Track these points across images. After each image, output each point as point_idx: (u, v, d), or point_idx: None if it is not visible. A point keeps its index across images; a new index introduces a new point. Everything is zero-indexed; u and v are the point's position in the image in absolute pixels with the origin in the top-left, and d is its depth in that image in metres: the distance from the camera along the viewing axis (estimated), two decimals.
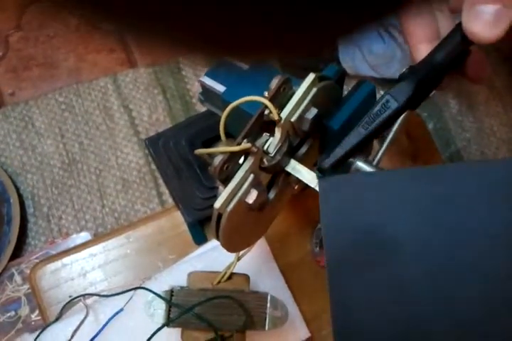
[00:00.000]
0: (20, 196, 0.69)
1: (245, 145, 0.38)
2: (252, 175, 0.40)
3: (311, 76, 0.40)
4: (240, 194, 0.39)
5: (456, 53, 0.39)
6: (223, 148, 0.38)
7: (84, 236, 0.65)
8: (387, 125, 0.40)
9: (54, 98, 0.74)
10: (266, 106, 0.39)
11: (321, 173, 0.39)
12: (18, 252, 0.66)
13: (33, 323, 0.62)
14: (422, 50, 0.41)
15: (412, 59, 0.42)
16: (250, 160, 0.39)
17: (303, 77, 0.41)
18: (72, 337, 0.45)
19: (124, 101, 0.75)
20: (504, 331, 0.35)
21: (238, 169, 0.39)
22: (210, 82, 0.49)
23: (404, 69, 0.40)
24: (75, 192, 0.70)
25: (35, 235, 0.68)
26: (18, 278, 0.64)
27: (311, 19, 0.15)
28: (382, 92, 0.72)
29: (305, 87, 0.40)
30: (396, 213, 0.38)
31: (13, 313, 0.63)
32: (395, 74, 0.70)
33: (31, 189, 0.70)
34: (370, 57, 0.70)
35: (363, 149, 0.42)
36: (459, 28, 0.38)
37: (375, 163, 0.46)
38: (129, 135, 0.72)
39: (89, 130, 0.73)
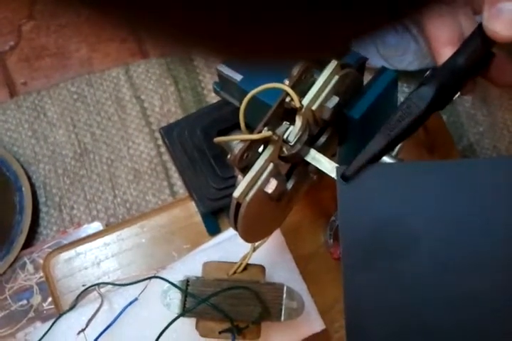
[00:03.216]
0: (32, 185, 0.69)
1: (266, 133, 0.37)
2: (271, 164, 0.39)
3: (333, 63, 0.39)
4: (259, 183, 0.39)
5: (478, 56, 0.39)
6: (243, 135, 0.37)
7: (95, 226, 0.65)
8: (409, 131, 0.39)
9: (66, 88, 0.74)
10: (287, 94, 0.38)
11: (345, 181, 0.39)
12: (30, 241, 0.66)
13: (44, 312, 0.62)
14: (446, 54, 0.40)
15: (435, 62, 0.42)
16: (270, 149, 0.39)
17: (317, 69, 0.41)
18: (86, 326, 0.44)
19: (136, 92, 0.74)
20: None
21: (258, 158, 0.39)
22: (227, 70, 0.49)
23: (427, 72, 0.40)
24: (87, 182, 0.70)
25: (47, 224, 0.68)
26: (30, 267, 0.64)
27: (329, 21, 0.15)
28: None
29: (327, 74, 0.39)
30: (414, 207, 0.38)
31: (25, 302, 0.63)
32: (409, 66, 0.69)
33: (43, 178, 0.70)
34: (383, 49, 0.70)
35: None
36: (480, 29, 0.38)
37: (394, 153, 0.46)
38: (140, 126, 0.72)
39: (101, 120, 0.73)
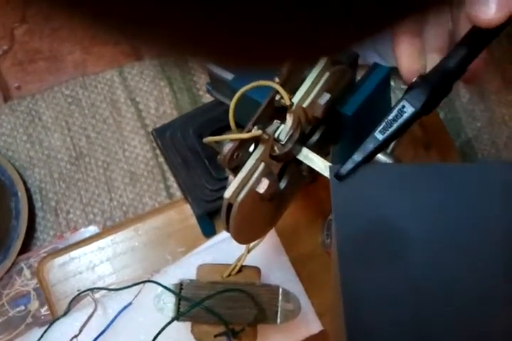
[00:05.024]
0: (27, 190, 0.68)
1: (256, 132, 0.37)
2: (262, 164, 0.39)
3: (324, 60, 0.39)
4: (250, 183, 0.38)
5: (468, 60, 0.39)
6: (233, 135, 0.37)
7: (92, 230, 0.64)
8: (403, 130, 0.39)
9: (60, 91, 0.74)
10: (277, 92, 0.38)
11: (338, 180, 0.38)
12: (26, 246, 0.65)
13: (42, 318, 0.61)
14: (435, 58, 0.40)
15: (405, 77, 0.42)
16: (261, 148, 0.38)
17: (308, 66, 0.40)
18: (80, 331, 0.44)
19: (131, 94, 0.74)
20: None
21: (248, 157, 0.38)
22: (217, 69, 0.48)
23: (415, 79, 0.40)
24: (83, 186, 0.70)
25: (43, 229, 0.68)
26: (27, 273, 0.63)
27: (316, 30, 0.15)
28: (392, 83, 0.71)
29: (317, 71, 0.39)
30: (409, 207, 0.38)
31: (22, 308, 0.63)
32: None
33: (39, 183, 0.70)
34: (379, 45, 0.69)
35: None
36: (469, 35, 0.38)
37: (389, 150, 0.45)
38: (136, 128, 0.71)
39: (96, 123, 0.73)
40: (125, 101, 0.73)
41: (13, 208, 0.67)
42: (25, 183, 0.68)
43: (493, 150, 0.67)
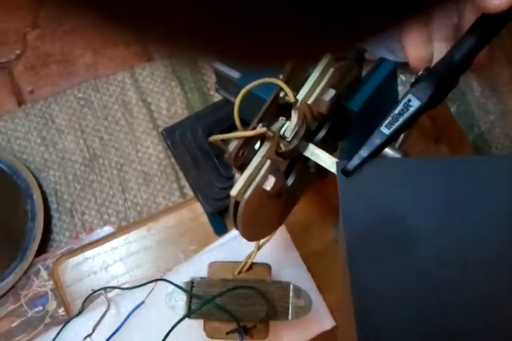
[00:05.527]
0: (43, 192, 0.69)
1: (260, 129, 0.37)
2: (268, 161, 0.39)
3: (327, 56, 0.39)
4: (257, 181, 0.38)
5: (474, 52, 0.38)
6: (238, 133, 0.37)
7: (107, 230, 0.65)
8: (409, 124, 0.39)
9: (73, 94, 0.74)
10: (281, 89, 0.38)
11: (346, 176, 0.38)
12: (43, 248, 0.66)
13: (60, 318, 0.62)
14: (442, 49, 0.40)
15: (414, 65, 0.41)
16: (266, 146, 0.38)
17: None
18: (93, 330, 0.44)
19: (142, 95, 0.74)
20: None
21: (254, 155, 0.38)
22: (224, 68, 0.48)
23: (421, 72, 0.40)
24: (97, 187, 0.70)
25: (59, 231, 0.68)
26: (44, 274, 0.64)
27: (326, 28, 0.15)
28: (402, 76, 0.70)
29: (321, 67, 0.39)
30: (416, 202, 0.38)
31: (40, 308, 0.64)
32: None
33: (54, 185, 0.71)
34: (388, 40, 0.68)
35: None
36: (474, 27, 0.38)
37: (397, 145, 0.45)
38: (148, 128, 0.72)
39: (109, 125, 0.73)
40: (137, 102, 0.74)
41: (29, 210, 0.67)
42: (40, 186, 0.69)
43: (506, 142, 0.66)
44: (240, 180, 0.38)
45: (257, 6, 0.13)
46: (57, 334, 0.46)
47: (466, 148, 0.58)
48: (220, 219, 0.56)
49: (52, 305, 0.64)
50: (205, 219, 0.56)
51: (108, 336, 0.44)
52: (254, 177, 0.38)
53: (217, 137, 0.38)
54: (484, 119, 0.68)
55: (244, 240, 0.42)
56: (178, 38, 0.16)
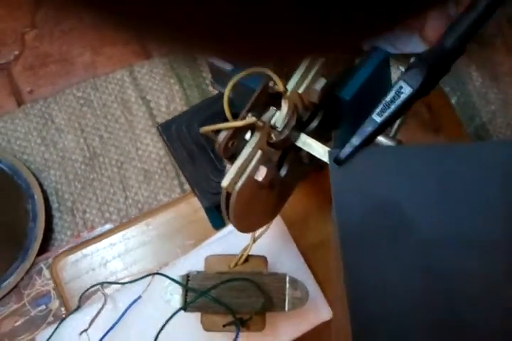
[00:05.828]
0: (44, 192, 0.69)
1: (250, 119, 0.37)
2: (260, 152, 0.38)
3: None
4: (248, 171, 0.38)
5: (466, 38, 0.38)
6: (226, 123, 0.36)
7: (108, 228, 0.65)
8: (401, 112, 0.39)
9: (72, 93, 0.74)
10: (270, 78, 0.37)
11: (338, 165, 0.38)
12: (45, 247, 0.66)
13: (63, 316, 0.62)
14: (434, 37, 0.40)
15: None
16: (257, 136, 0.38)
17: None
18: (89, 326, 0.44)
19: (142, 93, 0.74)
20: None
21: (245, 145, 0.38)
22: (217, 61, 0.48)
23: (412, 59, 0.39)
24: (98, 186, 0.70)
25: (61, 230, 0.69)
26: (46, 273, 0.64)
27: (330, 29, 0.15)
28: (401, 68, 0.70)
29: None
30: (409, 190, 0.37)
31: (43, 307, 0.64)
32: (415, 49, 0.67)
33: (55, 184, 0.71)
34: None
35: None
36: (465, 13, 0.37)
37: (391, 134, 0.45)
38: (148, 126, 0.72)
39: (109, 123, 0.73)
40: (136, 100, 0.74)
41: (30, 210, 0.68)
42: (41, 185, 0.69)
43: (508, 132, 0.66)
44: (231, 170, 0.37)
45: (257, 6, 0.13)
46: (55, 330, 0.46)
47: (465, 139, 0.58)
48: (217, 214, 0.56)
49: (55, 303, 0.64)
50: (202, 213, 0.56)
51: (105, 331, 0.44)
52: (245, 168, 0.38)
53: (207, 128, 0.38)
54: (485, 109, 0.67)
55: (242, 234, 0.42)
56: (178, 37, 0.16)
